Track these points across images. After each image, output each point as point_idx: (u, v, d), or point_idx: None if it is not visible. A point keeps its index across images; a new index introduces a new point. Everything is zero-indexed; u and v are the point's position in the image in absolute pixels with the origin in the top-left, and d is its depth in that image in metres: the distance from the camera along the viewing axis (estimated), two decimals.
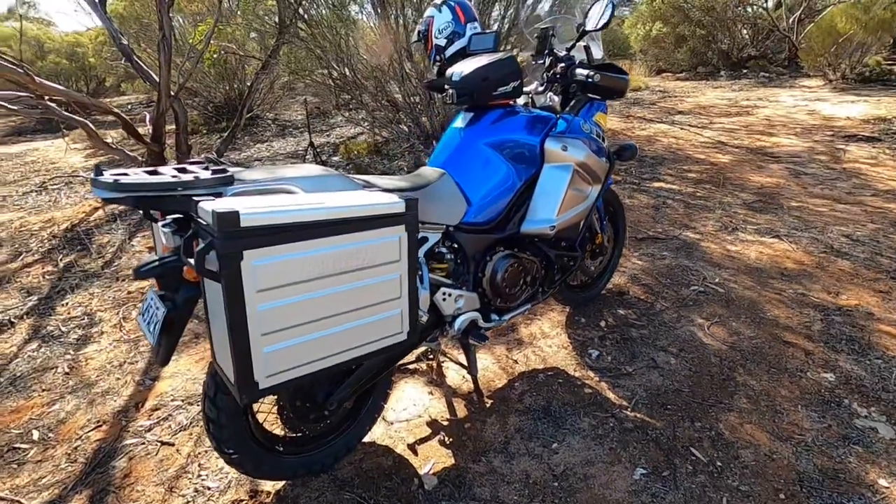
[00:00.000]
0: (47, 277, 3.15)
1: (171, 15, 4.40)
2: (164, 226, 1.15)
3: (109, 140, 6.12)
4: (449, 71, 1.66)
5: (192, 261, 0.93)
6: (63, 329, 2.53)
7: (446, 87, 1.67)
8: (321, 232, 0.98)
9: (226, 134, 6.09)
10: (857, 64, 8.77)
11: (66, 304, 2.81)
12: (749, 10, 11.56)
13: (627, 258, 2.89)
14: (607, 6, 1.61)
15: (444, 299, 1.59)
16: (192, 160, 1.27)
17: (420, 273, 1.49)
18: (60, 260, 3.38)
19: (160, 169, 1.16)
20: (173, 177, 1.06)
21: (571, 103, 1.84)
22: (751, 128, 5.96)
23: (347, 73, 5.61)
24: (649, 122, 6.49)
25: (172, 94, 4.56)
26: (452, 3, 1.93)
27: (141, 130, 5.93)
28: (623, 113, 7.15)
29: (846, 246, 2.86)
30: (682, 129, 6.16)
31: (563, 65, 1.75)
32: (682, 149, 5.27)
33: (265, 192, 1.14)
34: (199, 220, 0.94)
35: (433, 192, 1.55)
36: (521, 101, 1.93)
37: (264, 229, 0.90)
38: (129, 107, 15.07)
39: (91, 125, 4.48)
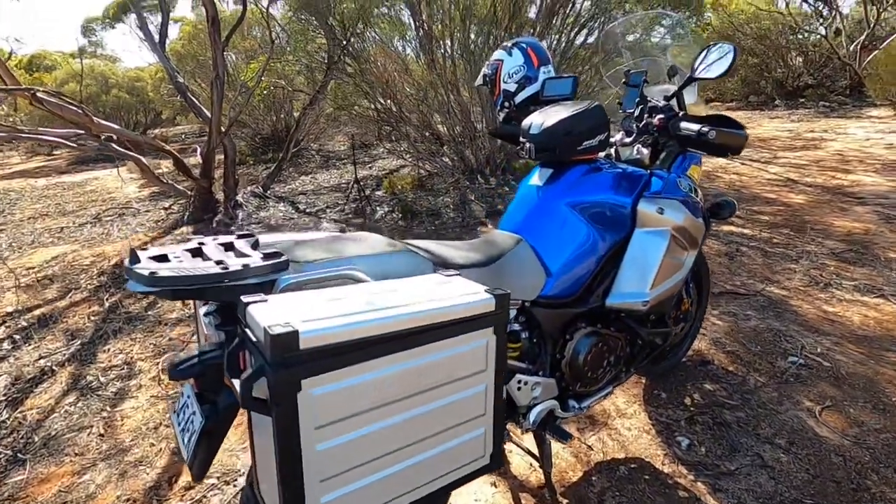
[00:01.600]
0: (92, 318, 3.10)
1: (224, 54, 4.47)
2: (206, 314, 0.98)
3: (164, 170, 6.27)
4: (526, 122, 1.46)
5: (236, 383, 0.74)
6: (102, 380, 2.43)
7: (522, 139, 1.47)
8: (398, 345, 0.78)
9: (272, 167, 6.13)
10: None
11: (108, 349, 2.73)
12: (805, 37, 11.06)
13: (706, 317, 2.57)
14: (728, 52, 1.38)
15: (518, 388, 1.35)
16: (241, 233, 1.11)
17: None
18: (106, 299, 3.34)
19: (205, 247, 1.00)
20: (219, 263, 0.89)
21: (662, 155, 1.60)
22: (822, 163, 5.52)
23: (392, 107, 5.58)
24: (705, 157, 6.13)
25: (223, 130, 4.60)
26: (524, 45, 1.76)
27: (192, 161, 6.05)
28: None
29: None
30: (742, 164, 5.77)
31: (661, 116, 1.52)
32: (747, 186, 4.89)
33: (326, 280, 0.96)
34: (246, 328, 0.76)
35: (510, 263, 1.33)
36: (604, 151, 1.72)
37: (329, 350, 0.70)
38: (184, 136, 15.81)
39: (143, 160, 4.56)
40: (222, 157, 5.34)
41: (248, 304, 0.77)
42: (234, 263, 0.88)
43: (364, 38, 5.58)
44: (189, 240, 1.07)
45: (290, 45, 5.25)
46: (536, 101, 1.74)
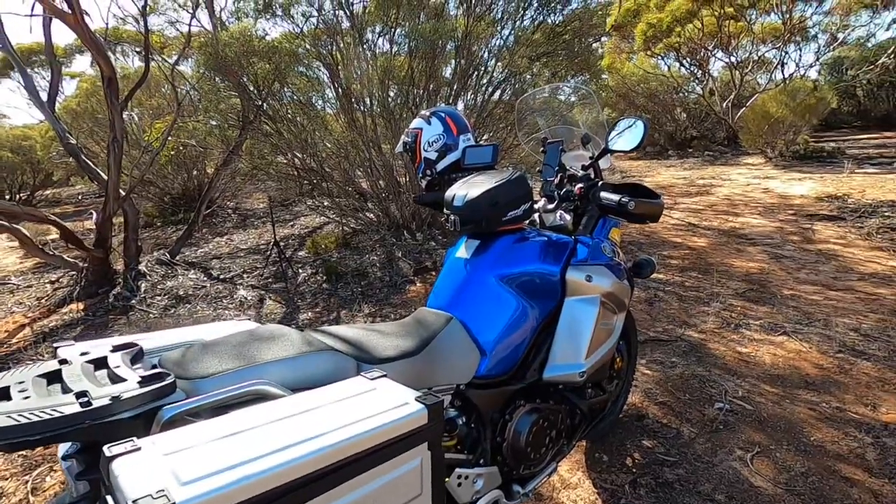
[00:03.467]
0: None
1: (125, 112, 4.16)
2: (64, 457, 0.78)
3: (53, 236, 5.58)
4: (449, 193, 1.42)
5: None
6: None
7: (447, 211, 1.41)
8: (316, 489, 0.63)
9: (182, 231, 5.68)
10: (791, 143, 9.46)
11: None
12: (686, 95, 12.56)
13: (636, 367, 2.61)
14: (638, 125, 1.44)
15: (459, 484, 1.22)
16: (118, 343, 0.92)
17: None
18: None
19: (66, 369, 0.81)
20: (80, 396, 0.71)
21: (584, 220, 1.62)
22: (715, 207, 6.09)
23: (313, 165, 5.45)
24: None
25: (123, 194, 4.20)
26: (443, 114, 1.75)
27: (89, 224, 5.43)
28: None
29: (859, 343, 2.69)
30: None
31: (581, 185, 1.54)
32: (655, 232, 5.25)
33: (227, 401, 0.80)
34: (108, 495, 0.58)
35: (442, 346, 1.23)
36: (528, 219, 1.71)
37: None
38: (80, 197, 14.46)
39: (21, 229, 4.02)
40: (123, 221, 4.87)
41: (112, 458, 0.60)
42: (101, 395, 0.71)
43: (280, 98, 5.48)
44: (49, 356, 0.87)
45: (201, 104, 5.01)
46: (458, 168, 1.71)
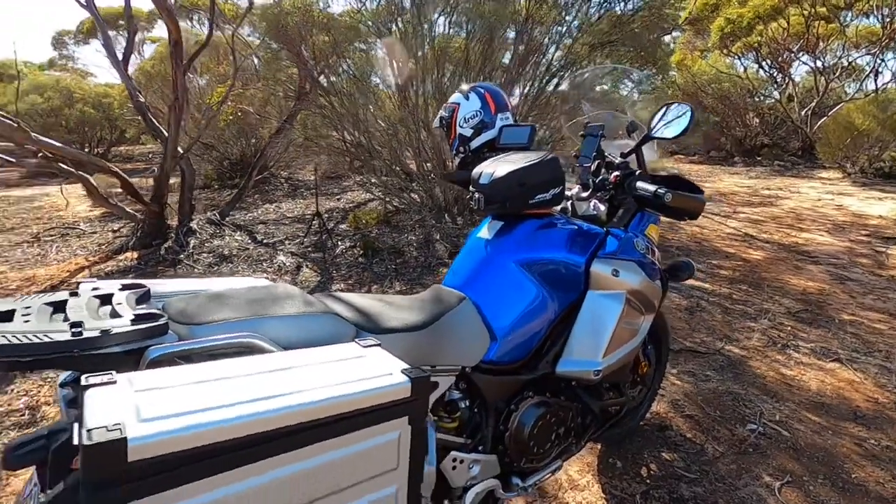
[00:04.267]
0: None
1: (190, 76, 4.33)
2: (62, 384, 0.80)
3: (119, 189, 5.95)
4: (476, 170, 1.36)
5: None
6: None
7: (472, 189, 1.36)
8: (282, 446, 0.62)
9: (233, 195, 5.91)
10: (876, 159, 8.66)
11: (13, 390, 2.42)
12: (762, 100, 11.74)
13: (665, 376, 2.48)
14: (685, 112, 1.33)
15: (454, 467, 1.19)
16: (127, 282, 0.94)
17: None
18: None
19: (71, 301, 0.83)
20: (74, 326, 0.72)
21: (619, 213, 1.53)
22: (778, 220, 5.68)
23: (363, 140, 5.50)
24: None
25: (180, 153, 4.40)
26: (482, 90, 1.69)
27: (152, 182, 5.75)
28: None
29: None
30: (704, 216, 5.90)
31: (617, 173, 1.45)
32: (707, 240, 4.97)
33: (214, 349, 0.79)
34: (76, 422, 0.59)
35: (450, 324, 1.20)
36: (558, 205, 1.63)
37: (176, 460, 0.54)
38: (150, 156, 15.35)
39: (90, 179, 4.29)
40: (180, 179, 5.11)
41: (87, 387, 0.60)
42: (93, 328, 0.72)
43: (337, 72, 5.55)
44: (63, 287, 0.89)
45: (260, 72, 5.15)
46: (493, 148, 1.65)
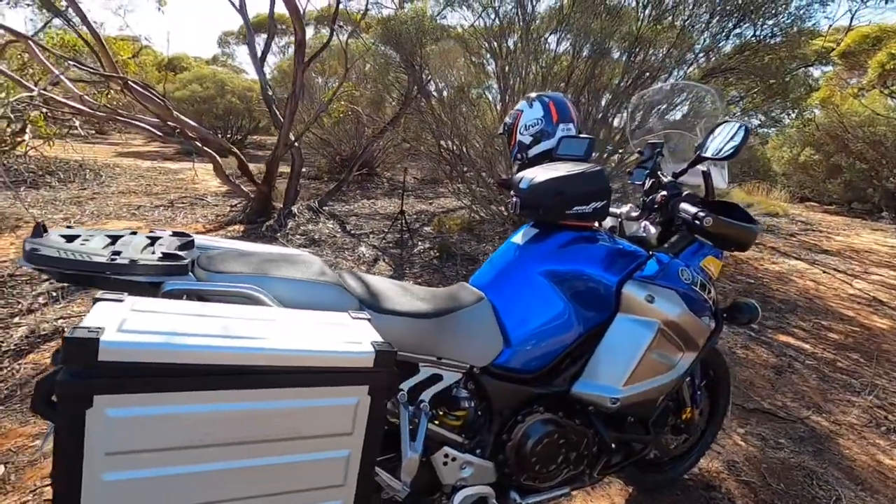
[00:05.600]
0: None
1: (313, 75, 4.77)
2: (94, 301, 0.94)
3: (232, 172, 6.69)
4: (519, 175, 1.36)
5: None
6: None
7: (511, 193, 1.36)
8: (236, 382, 0.68)
9: (332, 186, 6.37)
10: None
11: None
12: None
13: (727, 432, 2.23)
14: (738, 130, 1.21)
15: (444, 463, 1.19)
16: (177, 231, 1.08)
17: (416, 422, 1.13)
18: None
19: (126, 237, 0.97)
20: (116, 254, 0.85)
21: (673, 239, 1.42)
22: None
23: (458, 149, 5.65)
24: (784, 256, 5.59)
25: (291, 142, 4.85)
26: (547, 99, 1.67)
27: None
28: None
29: None
30: (825, 272, 5.18)
31: (664, 193, 1.35)
32: (822, 297, 4.36)
33: (218, 294, 0.89)
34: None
35: (462, 320, 1.20)
36: (607, 223, 1.56)
37: (139, 368, 0.62)
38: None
39: (217, 157, 4.89)
40: (290, 167, 5.63)
41: (98, 300, 0.71)
42: (126, 258, 0.84)
43: (444, 80, 5.77)
44: (146, 228, 1.06)
45: (369, 76, 5.52)
46: (550, 158, 1.63)
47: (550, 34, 5.30)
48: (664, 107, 1.59)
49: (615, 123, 5.37)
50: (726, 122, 1.25)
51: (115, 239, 0.97)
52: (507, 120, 1.77)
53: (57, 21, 5.39)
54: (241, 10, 5.24)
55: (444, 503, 1.23)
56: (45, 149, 7.00)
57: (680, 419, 1.66)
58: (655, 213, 1.39)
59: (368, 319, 0.92)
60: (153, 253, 0.90)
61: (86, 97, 4.29)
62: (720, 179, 1.45)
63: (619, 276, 1.28)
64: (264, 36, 5.90)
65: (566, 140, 1.57)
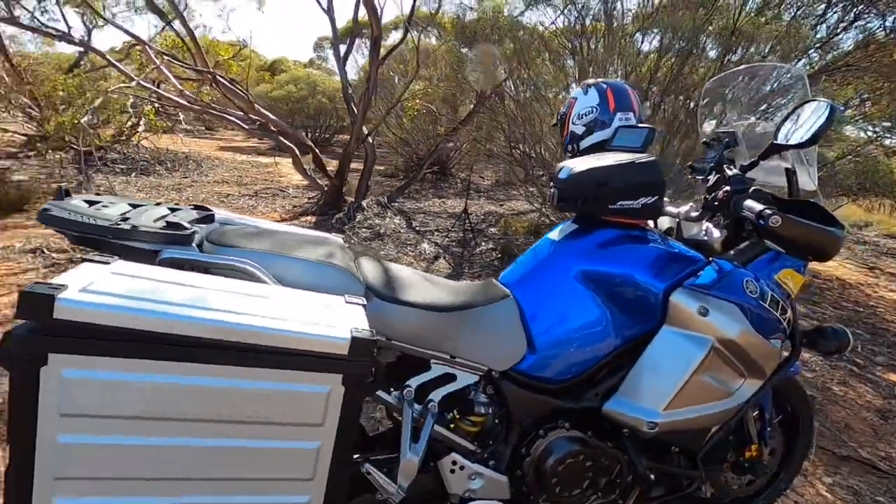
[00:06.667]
0: None
1: (391, 74, 4.85)
2: None
3: (330, 167, 7.02)
4: (560, 164, 1.23)
5: None
6: None
7: (551, 183, 1.24)
8: (197, 354, 0.64)
9: (403, 183, 6.47)
10: None
11: None
12: None
13: (809, 479, 1.91)
14: (823, 111, 0.99)
15: (451, 471, 1.10)
16: (197, 204, 1.09)
17: (422, 421, 1.05)
18: None
19: (144, 206, 0.99)
20: (124, 220, 0.86)
21: (742, 246, 1.21)
22: None
23: (530, 149, 5.49)
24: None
25: (364, 136, 4.97)
26: (604, 87, 1.52)
27: (355, 166, 6.64)
28: (866, 261, 5.50)
29: None
30: None
31: (727, 189, 1.15)
32: None
33: (212, 265, 0.87)
34: None
35: (481, 318, 1.11)
36: (664, 223, 1.38)
37: (96, 330, 0.60)
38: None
39: (296, 151, 5.14)
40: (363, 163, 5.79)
41: (85, 260, 0.71)
42: (131, 223, 0.85)
43: (522, 80, 5.62)
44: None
45: (440, 74, 5.51)
46: (604, 149, 1.47)
47: (636, 31, 4.98)
48: (740, 93, 1.37)
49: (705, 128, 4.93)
50: (809, 101, 1.04)
51: (135, 207, 0.99)
52: (562, 109, 1.63)
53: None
54: (329, 11, 5.47)
55: None
56: (156, 140, 7.82)
57: (742, 457, 1.43)
58: (718, 212, 1.20)
59: (363, 305, 0.86)
60: (157, 223, 0.90)
61: (186, 92, 4.68)
62: (807, 179, 1.22)
63: (666, 283, 1.11)
64: (359, 39, 6.15)
65: (623, 130, 1.41)
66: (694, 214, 1.23)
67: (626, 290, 1.12)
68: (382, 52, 4.93)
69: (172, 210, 1.02)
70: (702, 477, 1.23)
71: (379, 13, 4.09)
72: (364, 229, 5.07)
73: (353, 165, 5.59)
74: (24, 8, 4.97)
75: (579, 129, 1.53)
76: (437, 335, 1.06)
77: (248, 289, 0.79)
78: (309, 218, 5.35)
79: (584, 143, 1.52)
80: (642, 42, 4.76)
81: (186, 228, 0.88)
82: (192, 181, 7.32)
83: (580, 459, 1.14)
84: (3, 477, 0.61)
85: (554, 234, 1.26)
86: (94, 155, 4.68)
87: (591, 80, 1.58)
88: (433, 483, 1.10)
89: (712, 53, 4.63)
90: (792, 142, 1.02)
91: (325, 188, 5.49)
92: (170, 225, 0.88)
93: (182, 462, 0.66)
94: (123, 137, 6.50)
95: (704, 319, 1.08)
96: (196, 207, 1.08)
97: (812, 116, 1.00)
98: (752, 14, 3.96)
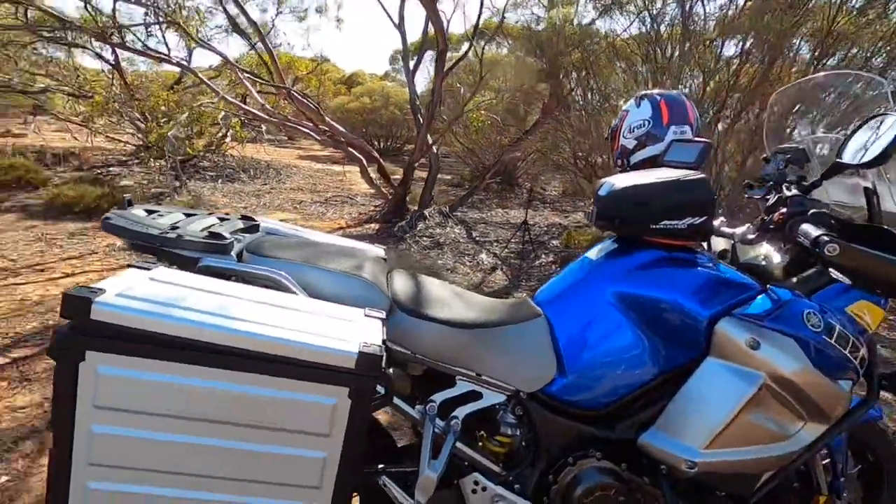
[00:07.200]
0: None
1: (458, 85, 4.93)
2: None
3: (395, 176, 7.24)
4: (602, 180, 1.18)
5: None
6: None
7: (592, 200, 1.19)
8: (217, 360, 0.69)
9: (465, 193, 6.51)
10: None
11: None
12: None
13: None
14: (890, 123, 0.87)
15: (473, 490, 1.08)
16: (246, 214, 1.17)
17: (444, 437, 1.04)
18: None
19: (199, 214, 1.08)
20: (172, 227, 0.94)
21: (806, 273, 1.09)
22: None
23: (595, 160, 5.33)
24: None
25: (428, 145, 5.07)
26: (658, 98, 1.44)
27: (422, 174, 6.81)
28: None
29: None
30: None
31: (784, 210, 1.04)
32: None
33: (245, 275, 0.92)
34: None
35: (509, 336, 1.09)
36: (718, 245, 1.28)
37: (128, 332, 0.66)
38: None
39: (364, 161, 5.34)
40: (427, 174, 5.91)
41: (130, 266, 0.79)
42: (177, 233, 0.93)
43: (590, 89, 5.49)
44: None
45: (505, 85, 5.50)
46: (655, 165, 1.40)
47: (718, 38, 4.68)
48: (813, 104, 1.24)
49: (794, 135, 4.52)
50: (882, 114, 0.91)
51: (188, 216, 1.07)
52: (614, 122, 1.57)
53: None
54: (400, 27, 5.67)
55: None
56: (242, 149, 8.48)
57: None
58: (775, 233, 1.08)
59: (382, 319, 0.87)
60: (201, 234, 0.97)
61: (266, 106, 5.03)
62: (891, 201, 1.07)
63: (711, 311, 1.02)
64: (429, 52, 6.33)
65: (676, 144, 1.33)
66: (750, 237, 1.13)
67: (665, 316, 1.05)
68: (449, 63, 5.02)
69: (221, 220, 1.10)
70: None
71: (445, 27, 4.17)
72: (424, 238, 5.15)
73: (419, 174, 5.73)
74: (134, 35, 5.61)
75: (630, 143, 1.46)
76: (462, 352, 1.05)
77: (274, 298, 0.83)
78: (373, 225, 5.53)
79: (635, 158, 1.45)
80: (722, 48, 4.47)
81: (225, 238, 0.95)
82: (270, 188, 7.83)
83: (611, 493, 1.07)
84: (48, 458, 0.69)
85: (592, 253, 1.20)
86: (187, 164, 5.15)
87: (645, 91, 1.50)
88: (453, 501, 1.09)
89: (805, 57, 4.25)
90: (857, 160, 0.91)
91: (390, 196, 5.65)
92: (211, 235, 0.94)
93: (199, 459, 0.71)
94: (213, 147, 7.10)
95: (754, 353, 0.98)
96: (243, 217, 1.15)
97: (885, 132, 0.88)
98: (854, 13, 3.58)
